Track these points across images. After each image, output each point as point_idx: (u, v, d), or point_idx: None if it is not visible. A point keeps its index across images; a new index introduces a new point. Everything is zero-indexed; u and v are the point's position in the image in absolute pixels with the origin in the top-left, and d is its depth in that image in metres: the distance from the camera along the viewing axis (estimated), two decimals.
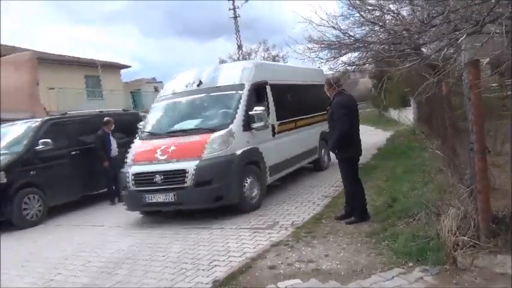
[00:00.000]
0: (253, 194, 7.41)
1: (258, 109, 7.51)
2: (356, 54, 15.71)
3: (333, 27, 13.14)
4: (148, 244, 6.09)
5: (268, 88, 8.55)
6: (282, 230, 5.90)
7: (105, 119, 9.94)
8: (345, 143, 5.60)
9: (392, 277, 3.79)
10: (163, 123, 8.27)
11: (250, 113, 7.50)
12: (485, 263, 3.55)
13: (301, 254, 4.76)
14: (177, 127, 7.85)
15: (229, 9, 35.69)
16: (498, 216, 3.82)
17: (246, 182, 7.24)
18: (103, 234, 7.13)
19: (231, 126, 7.24)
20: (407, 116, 23.44)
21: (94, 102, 22.32)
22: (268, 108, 8.31)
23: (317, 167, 10.72)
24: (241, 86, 7.88)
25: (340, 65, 16.17)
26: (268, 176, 7.96)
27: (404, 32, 11.89)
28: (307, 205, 7.27)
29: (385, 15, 13.09)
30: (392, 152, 11.96)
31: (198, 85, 8.28)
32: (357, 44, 13.97)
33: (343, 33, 13.23)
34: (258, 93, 8.20)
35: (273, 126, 8.33)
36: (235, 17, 35.46)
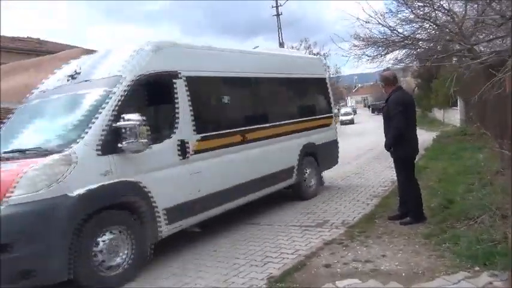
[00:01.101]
0: (115, 262, 4.59)
1: (131, 118, 4.65)
2: (403, 51, 15.45)
3: (381, 24, 12.95)
4: (194, 239, 6.07)
5: (179, 83, 5.56)
6: (333, 228, 5.81)
7: None
8: (401, 141, 5.43)
9: (458, 281, 3.64)
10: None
11: (116, 124, 4.69)
12: None
13: (356, 253, 4.66)
14: (11, 147, 5.00)
15: (272, 7, 35.52)
16: None
17: (96, 244, 4.44)
18: None
19: (72, 147, 4.44)
20: (454, 116, 22.72)
21: None
22: (175, 114, 5.46)
23: (298, 194, 7.78)
24: (115, 81, 5.03)
25: (387, 63, 15.93)
26: (163, 225, 5.12)
27: (456, 29, 11.51)
28: (356, 204, 7.14)
29: (436, 12, 12.74)
30: (442, 153, 11.57)
31: (70, 78, 5.55)
32: (405, 41, 13.71)
33: (391, 30, 13.03)
34: (156, 91, 5.35)
35: (183, 143, 5.44)
36: (277, 15, 35.30)
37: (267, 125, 7.03)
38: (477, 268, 3.80)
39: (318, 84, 8.91)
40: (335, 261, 4.48)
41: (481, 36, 10.96)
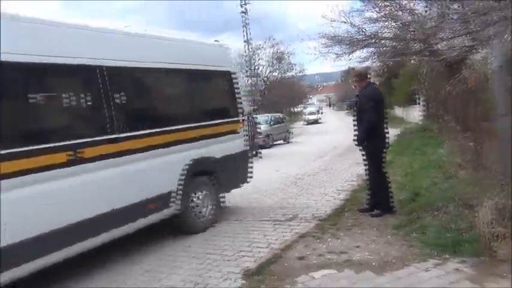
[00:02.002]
0: None
1: None
2: (368, 50, 15.78)
3: (346, 23, 13.20)
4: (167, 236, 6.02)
5: None
6: (304, 222, 5.87)
7: None
8: (372, 134, 5.56)
9: (428, 268, 3.76)
10: None
11: None
12: None
13: (329, 245, 4.73)
14: None
15: (239, 5, 35.48)
16: None
17: None
18: None
19: None
20: (414, 113, 23.45)
21: None
22: None
23: (181, 226, 5.85)
24: None
25: (352, 61, 16.24)
26: None
27: (418, 28, 11.86)
28: (325, 198, 7.25)
29: (399, 11, 13.09)
30: (406, 148, 11.94)
31: None
32: (370, 40, 14.02)
33: (356, 28, 13.30)
34: None
35: None
36: (244, 12, 35.29)
37: (122, 135, 4.78)
38: (445, 255, 3.94)
39: (220, 80, 6.78)
40: (309, 253, 4.52)
41: (442, 35, 11.38)
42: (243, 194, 8.36)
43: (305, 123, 43.67)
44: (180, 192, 5.58)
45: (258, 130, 16.03)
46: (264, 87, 46.95)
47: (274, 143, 21.73)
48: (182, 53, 6.05)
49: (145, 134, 5.14)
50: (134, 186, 4.98)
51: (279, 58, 47.25)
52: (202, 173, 6.05)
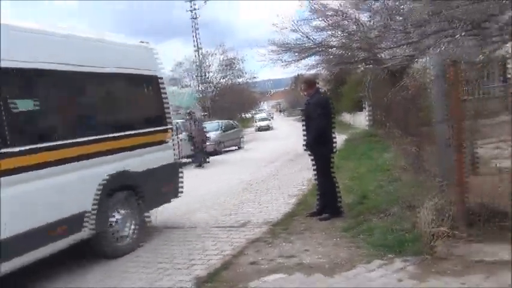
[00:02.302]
0: None
1: None
2: (316, 58, 16.24)
3: (295, 31, 13.52)
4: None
5: None
6: (256, 228, 5.92)
7: None
8: (321, 140, 5.72)
9: (375, 268, 3.90)
10: None
11: None
12: (463, 251, 3.75)
13: (280, 249, 4.79)
14: None
15: (187, 11, 35.33)
16: (471, 207, 4.03)
17: None
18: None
19: None
20: (361, 119, 24.27)
21: None
22: None
23: (98, 250, 5.17)
24: None
25: (301, 68, 16.62)
26: None
27: (362, 36, 12.32)
28: (276, 203, 7.34)
29: (346, 21, 13.57)
30: (353, 153, 12.32)
31: None
32: (318, 47, 14.43)
33: (305, 37, 13.66)
34: None
35: None
36: (193, 18, 35.15)
37: (17, 149, 4.06)
38: (390, 255, 4.10)
39: (145, 85, 6.14)
40: (261, 258, 4.56)
41: (385, 45, 11.91)
42: (193, 202, 8.32)
43: (256, 129, 42.98)
44: (95, 212, 4.91)
45: (207, 136, 16.00)
46: (214, 93, 46.90)
47: (226, 149, 21.72)
48: (97, 54, 5.32)
49: (49, 146, 4.44)
50: (35, 208, 4.24)
51: (230, 64, 47.43)
52: (121, 189, 5.37)
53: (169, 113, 6.38)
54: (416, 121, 6.36)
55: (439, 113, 4.86)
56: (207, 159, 15.84)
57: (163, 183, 6.17)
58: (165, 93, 6.39)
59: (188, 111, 17.83)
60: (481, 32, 4.22)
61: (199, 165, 14.94)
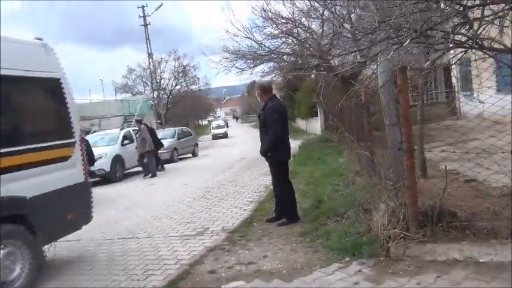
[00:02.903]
0: None
1: None
2: (269, 65, 16.42)
3: (248, 38, 13.62)
4: (70, 257, 5.67)
5: None
6: (214, 235, 5.87)
7: None
8: (277, 146, 5.75)
9: (333, 272, 3.95)
10: None
11: None
12: (416, 252, 3.86)
13: (239, 256, 4.77)
14: None
15: (140, 17, 34.74)
16: (423, 209, 4.17)
17: None
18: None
19: None
20: (315, 125, 24.73)
21: None
22: None
23: None
24: None
25: (255, 75, 16.72)
26: None
27: (314, 44, 12.60)
28: (233, 210, 7.31)
29: (297, 28, 13.82)
30: (308, 158, 12.50)
31: None
32: (271, 55, 14.58)
33: (258, 44, 13.79)
34: None
35: None
36: (145, 25, 34.61)
37: None
38: (347, 259, 4.17)
39: (40, 89, 5.22)
40: (219, 267, 4.52)
41: (336, 52, 12.22)
42: (149, 211, 8.16)
43: (212, 137, 41.30)
44: None
45: (160, 145, 15.65)
46: (168, 100, 46.31)
47: (181, 157, 21.46)
48: None
49: None
50: None
51: (184, 71, 47.04)
52: (6, 220, 4.30)
53: (73, 122, 5.38)
54: (368, 126, 6.54)
55: (390, 117, 5.03)
56: (158, 169, 15.33)
57: (67, 208, 5.19)
58: (69, 99, 5.40)
59: (138, 118, 17.10)
60: (426, 40, 4.39)
61: (146, 175, 14.48)
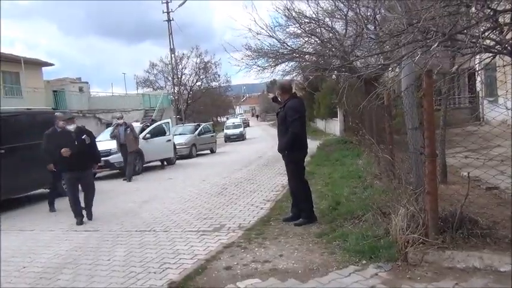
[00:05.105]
0: None
1: None
2: (291, 64, 16.34)
3: (271, 36, 13.57)
4: (89, 248, 5.76)
5: None
6: (230, 232, 5.89)
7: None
8: (296, 145, 5.75)
9: (349, 274, 3.93)
10: None
11: None
12: (435, 258, 3.81)
13: (255, 254, 4.78)
14: None
15: (163, 12, 35.05)
16: (443, 215, 4.12)
17: None
18: (34, 239, 6.60)
19: None
20: (335, 126, 24.57)
21: (11, 100, 20.88)
22: None
23: None
24: None
25: (276, 74, 16.70)
26: None
27: (337, 44, 12.47)
28: (250, 208, 7.33)
29: (321, 28, 13.72)
30: (326, 159, 12.44)
31: None
32: (293, 54, 14.50)
33: (280, 42, 13.74)
34: None
35: None
36: (168, 20, 34.89)
37: None
38: (364, 262, 4.14)
39: None
40: (235, 263, 4.54)
41: (359, 54, 12.11)
42: (166, 205, 8.24)
43: (225, 139, 33.67)
44: None
45: (138, 142, 13.87)
46: (189, 96, 46.62)
47: (199, 153, 21.63)
48: None
49: None
50: None
51: (205, 68, 47.29)
52: None
53: None
54: (389, 129, 6.47)
55: (412, 121, 4.97)
56: (137, 172, 14.02)
57: None
58: None
59: (119, 116, 14.95)
60: (454, 44, 4.32)
61: (129, 179, 12.85)
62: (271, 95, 6.57)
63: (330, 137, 22.60)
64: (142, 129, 16.05)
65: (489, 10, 3.92)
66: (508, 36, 4.21)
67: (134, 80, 47.65)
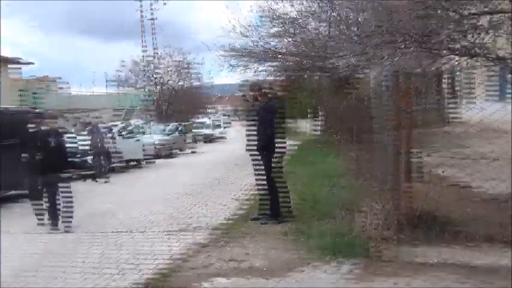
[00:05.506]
0: None
1: None
2: (274, 64, 16.38)
3: (253, 37, 13.56)
4: (64, 250, 5.63)
5: None
6: (198, 232, 5.86)
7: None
8: (271, 144, 5.79)
9: (314, 270, 3.94)
10: None
11: None
12: (406, 254, 3.88)
13: (221, 254, 4.75)
14: None
15: (145, 11, 34.81)
16: (407, 211, 4.18)
17: None
18: (7, 240, 6.29)
19: None
20: (315, 126, 24.69)
21: None
22: None
23: None
24: None
25: (258, 73, 16.71)
26: None
27: (317, 45, 12.52)
28: (219, 208, 7.34)
29: (304, 29, 13.76)
30: (303, 159, 12.47)
31: None
32: (274, 54, 14.53)
33: (263, 42, 13.74)
34: None
35: None
36: (152, 19, 34.67)
37: None
38: (331, 258, 4.15)
39: None
40: (201, 263, 4.50)
41: (341, 54, 12.19)
42: (140, 206, 8.14)
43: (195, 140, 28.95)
44: None
45: (111, 143, 13.35)
46: (170, 95, 46.29)
47: (179, 152, 21.56)
48: None
49: None
50: None
51: (186, 67, 46.93)
52: None
53: None
54: (365, 129, 6.54)
55: (387, 121, 5.02)
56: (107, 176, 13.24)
57: None
58: None
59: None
60: (429, 46, 4.39)
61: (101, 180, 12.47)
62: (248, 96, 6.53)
63: (310, 137, 22.70)
64: (120, 130, 15.88)
65: (454, 14, 3.99)
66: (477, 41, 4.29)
67: (114, 79, 47.09)
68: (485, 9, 4.03)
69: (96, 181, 12.44)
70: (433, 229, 3.99)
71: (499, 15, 3.91)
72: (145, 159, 16.69)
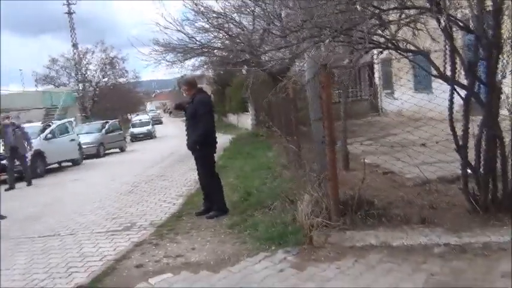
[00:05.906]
0: None
1: None
2: (200, 59, 16.31)
3: (179, 31, 13.43)
4: None
5: None
6: (142, 230, 5.79)
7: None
8: (206, 139, 5.79)
9: (259, 261, 4.06)
10: None
11: None
12: (337, 239, 4.09)
13: (167, 250, 4.75)
14: None
15: (64, 5, 32.96)
16: (343, 198, 4.43)
17: None
18: None
19: None
20: (246, 120, 24.97)
21: None
22: None
23: None
24: None
25: (185, 69, 16.54)
26: None
27: (244, 39, 12.74)
28: (162, 205, 7.25)
29: (229, 23, 13.88)
30: (238, 153, 12.62)
31: None
32: (202, 49, 14.51)
33: (189, 37, 13.66)
34: None
35: None
36: (70, 13, 32.90)
37: None
38: (274, 248, 4.29)
39: None
40: (146, 261, 4.47)
41: (266, 48, 12.46)
42: (72, 207, 7.86)
43: (131, 139, 30.62)
44: None
45: (31, 144, 12.40)
46: (95, 93, 44.47)
47: (109, 151, 20.79)
48: None
49: None
50: None
51: (111, 63, 45.26)
52: None
53: None
54: (294, 121, 6.77)
55: (315, 113, 5.25)
56: (40, 175, 13.12)
57: None
58: None
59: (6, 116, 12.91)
60: (347, 40, 4.64)
61: (29, 183, 11.87)
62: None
63: (242, 131, 22.92)
64: (43, 129, 15.02)
65: (373, 9, 4.26)
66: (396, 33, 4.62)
67: (33, 77, 44.19)
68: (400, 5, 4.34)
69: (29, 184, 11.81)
70: (371, 214, 4.26)
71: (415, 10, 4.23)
72: (70, 160, 16.01)
